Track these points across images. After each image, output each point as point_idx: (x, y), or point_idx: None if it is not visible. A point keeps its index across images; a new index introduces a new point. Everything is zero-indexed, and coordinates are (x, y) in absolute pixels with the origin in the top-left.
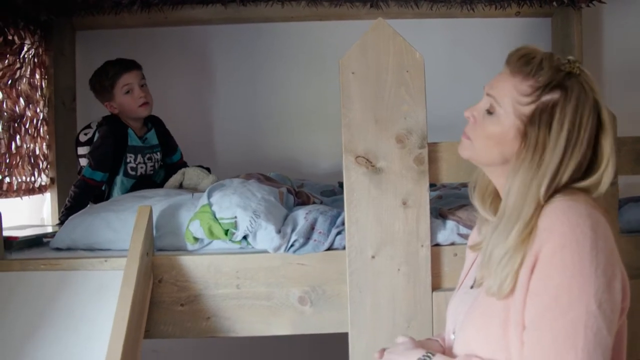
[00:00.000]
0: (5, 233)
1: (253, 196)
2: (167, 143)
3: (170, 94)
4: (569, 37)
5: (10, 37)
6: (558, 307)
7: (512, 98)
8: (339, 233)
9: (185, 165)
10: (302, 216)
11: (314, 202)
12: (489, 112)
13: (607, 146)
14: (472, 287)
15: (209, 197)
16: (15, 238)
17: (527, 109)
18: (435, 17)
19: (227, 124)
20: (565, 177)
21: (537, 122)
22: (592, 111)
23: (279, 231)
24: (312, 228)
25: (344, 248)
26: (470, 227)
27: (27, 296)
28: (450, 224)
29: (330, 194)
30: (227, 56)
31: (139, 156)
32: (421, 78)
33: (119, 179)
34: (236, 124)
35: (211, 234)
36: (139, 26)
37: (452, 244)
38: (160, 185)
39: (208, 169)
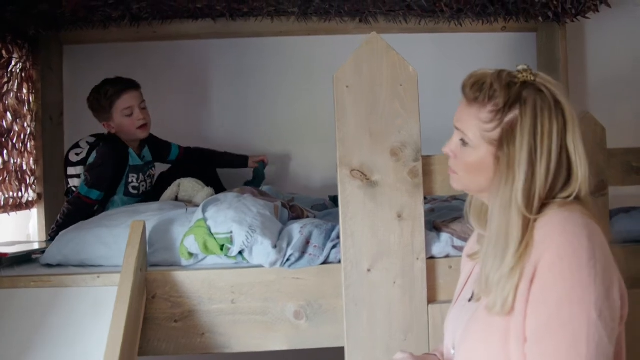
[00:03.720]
0: None
1: (249, 211)
2: (159, 148)
3: (160, 109)
4: (553, 51)
5: None
6: (559, 319)
7: (477, 127)
8: (334, 247)
9: (188, 153)
10: (297, 230)
11: (307, 216)
12: (464, 143)
13: (571, 144)
14: (470, 300)
15: (203, 211)
16: (5, 254)
17: (495, 134)
18: (423, 32)
19: (219, 138)
20: (540, 186)
21: (505, 143)
22: (553, 113)
23: (275, 246)
24: (307, 242)
25: (339, 262)
26: (465, 239)
27: (18, 314)
28: (444, 236)
29: (322, 208)
30: (218, 71)
31: (141, 175)
32: (415, 92)
33: (117, 198)
34: (228, 138)
35: (206, 249)
36: (128, 40)
37: (447, 256)
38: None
39: (215, 179)
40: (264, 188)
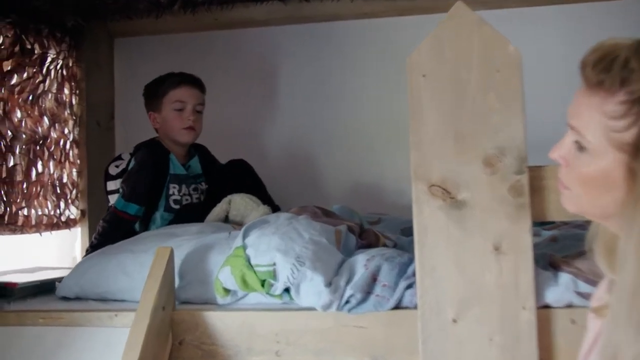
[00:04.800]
0: (6, 278)
1: (298, 237)
2: (213, 173)
3: (221, 107)
4: None
5: (29, 46)
6: None
7: (601, 125)
8: (409, 287)
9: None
10: (361, 263)
11: (384, 244)
12: (580, 147)
13: None
14: None
15: (244, 237)
16: (14, 285)
17: (628, 135)
18: (545, 5)
19: (286, 142)
20: None
21: None
22: None
23: (329, 283)
24: (373, 279)
25: (415, 307)
26: (594, 283)
27: (23, 356)
28: (565, 277)
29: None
30: (288, 62)
31: (184, 186)
32: (517, 79)
33: (158, 215)
34: (297, 141)
35: (245, 284)
36: (185, 30)
37: (569, 306)
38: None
39: (267, 198)
40: (333, 207)
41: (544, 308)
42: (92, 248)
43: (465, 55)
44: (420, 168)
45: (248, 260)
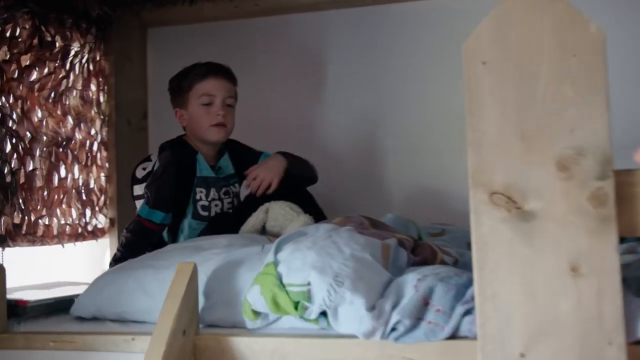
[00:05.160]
0: (18, 295)
1: (338, 252)
2: (246, 159)
3: (263, 100)
4: None
5: (49, 39)
6: None
7: None
8: (467, 312)
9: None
10: (411, 284)
11: (442, 261)
12: None
13: None
14: None
15: (276, 251)
16: (25, 303)
17: None
18: None
19: (335, 140)
20: None
21: None
22: None
23: (372, 307)
24: (425, 303)
25: (475, 337)
26: None
27: None
28: None
29: None
30: (339, 52)
31: (213, 190)
32: (600, 65)
33: (186, 223)
34: (348, 139)
35: (276, 306)
36: (224, 18)
37: None
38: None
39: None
40: (387, 217)
41: (636, 344)
42: (115, 261)
43: (534, 37)
44: (479, 173)
45: (280, 278)
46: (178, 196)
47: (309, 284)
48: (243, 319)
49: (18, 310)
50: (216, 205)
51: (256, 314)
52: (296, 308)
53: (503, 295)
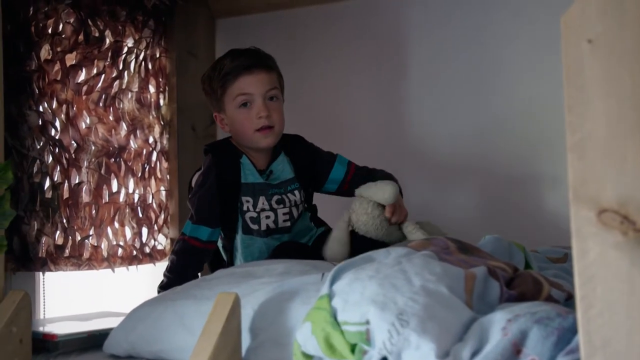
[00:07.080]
0: (49, 327)
1: (406, 284)
2: (313, 161)
3: (342, 94)
4: None
5: (96, 34)
6: None
7: None
8: None
9: (360, 175)
10: (499, 325)
11: (549, 296)
12: None
13: None
14: None
15: (332, 281)
16: (53, 337)
17: None
18: None
19: (423, 141)
20: None
21: None
22: None
23: (445, 354)
24: (516, 351)
25: None
26: None
27: None
28: None
29: None
30: (425, 40)
31: (261, 199)
32: None
33: (238, 239)
34: (440, 142)
35: (330, 349)
36: (300, 5)
37: None
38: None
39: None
40: (485, 239)
41: None
42: (162, 288)
43: None
44: (583, 184)
45: (334, 315)
46: (223, 207)
47: (367, 322)
48: None
49: (48, 345)
50: (267, 217)
51: (307, 357)
52: (353, 351)
53: (617, 344)
